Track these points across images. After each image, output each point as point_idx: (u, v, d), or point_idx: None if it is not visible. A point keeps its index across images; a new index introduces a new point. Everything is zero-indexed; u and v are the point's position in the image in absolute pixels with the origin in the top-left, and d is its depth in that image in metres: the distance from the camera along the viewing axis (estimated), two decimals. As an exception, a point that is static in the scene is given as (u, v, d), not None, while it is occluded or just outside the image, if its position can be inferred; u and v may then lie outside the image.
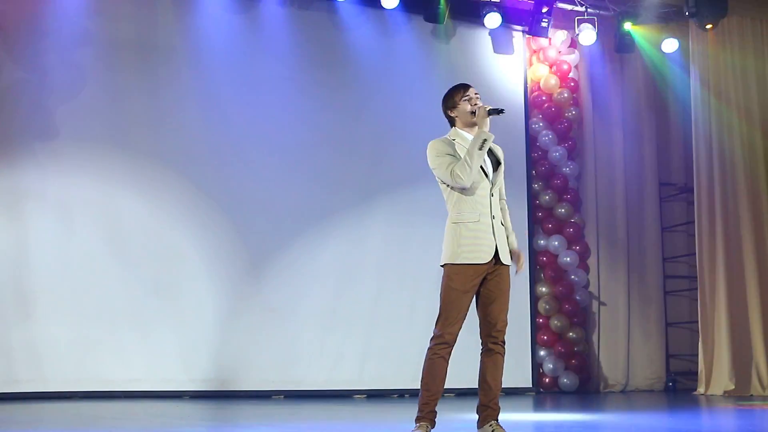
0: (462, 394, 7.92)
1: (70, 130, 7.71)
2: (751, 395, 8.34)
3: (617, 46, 9.65)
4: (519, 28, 9.42)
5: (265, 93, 8.43)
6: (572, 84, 9.67)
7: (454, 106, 3.99)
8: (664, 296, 9.83)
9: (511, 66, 9.46)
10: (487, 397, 3.85)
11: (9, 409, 6.22)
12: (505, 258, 3.87)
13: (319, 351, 8.17)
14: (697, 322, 8.88)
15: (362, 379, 8.22)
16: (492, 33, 9.27)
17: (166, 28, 8.21)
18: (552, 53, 9.66)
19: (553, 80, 9.57)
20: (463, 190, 3.85)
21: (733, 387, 8.38)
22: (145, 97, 8.00)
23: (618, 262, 9.62)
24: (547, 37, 9.44)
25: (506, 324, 3.88)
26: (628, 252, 9.67)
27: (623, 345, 9.47)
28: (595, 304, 9.48)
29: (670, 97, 10.10)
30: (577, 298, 9.20)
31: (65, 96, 7.74)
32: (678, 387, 9.47)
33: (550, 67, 9.65)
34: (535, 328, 9.03)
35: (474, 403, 3.97)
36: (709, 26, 8.56)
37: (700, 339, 8.77)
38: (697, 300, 8.94)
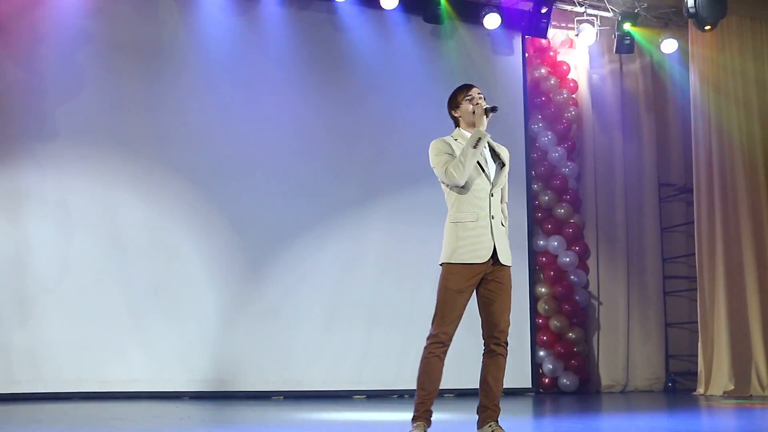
0: (462, 394, 7.92)
1: (69, 131, 7.71)
2: (751, 395, 8.34)
3: (617, 46, 9.66)
4: (518, 28, 9.41)
5: (264, 93, 8.43)
6: (571, 84, 9.68)
7: (457, 106, 4.02)
8: (664, 297, 9.83)
9: (511, 67, 9.45)
10: (488, 398, 3.85)
11: (8, 409, 6.22)
12: (504, 258, 3.87)
13: (319, 351, 8.17)
14: (697, 322, 8.89)
15: (362, 380, 8.21)
16: (491, 34, 9.26)
17: (166, 29, 8.21)
18: (551, 54, 9.66)
19: (553, 81, 9.58)
20: (462, 189, 3.86)
21: (733, 387, 8.38)
22: (144, 98, 8.00)
23: (617, 263, 9.62)
24: (546, 37, 9.45)
25: (509, 325, 3.88)
26: (628, 252, 9.68)
27: (623, 345, 9.47)
28: (594, 304, 9.48)
29: (669, 97, 10.11)
30: (577, 298, 9.20)
31: (65, 97, 7.74)
32: (677, 387, 9.48)
33: (550, 67, 9.65)
34: (534, 329, 9.03)
35: (474, 404, 3.97)
36: (707, 27, 8.57)
37: (699, 339, 8.77)
38: (696, 300, 8.95)
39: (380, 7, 8.72)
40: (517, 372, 8.69)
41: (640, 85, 10.09)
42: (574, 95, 9.66)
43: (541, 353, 9.02)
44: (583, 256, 9.34)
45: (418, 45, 9.05)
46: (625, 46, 9.60)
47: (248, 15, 8.56)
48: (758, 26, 9.35)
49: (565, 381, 8.89)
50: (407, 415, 3.94)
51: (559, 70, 9.64)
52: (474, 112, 3.93)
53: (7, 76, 7.58)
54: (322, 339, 8.19)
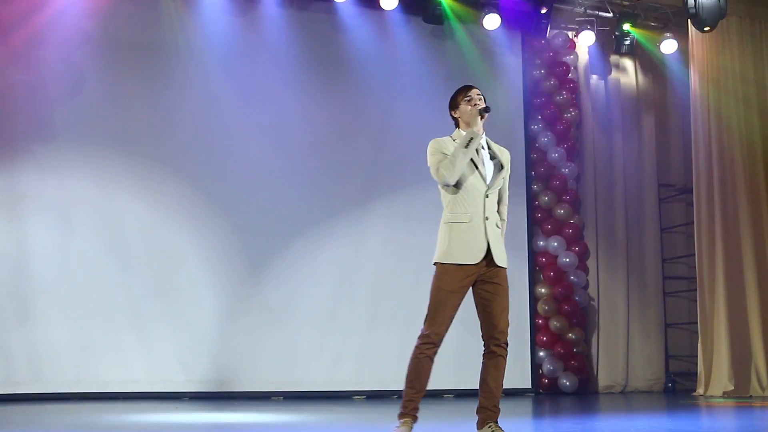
0: (461, 395, 7.92)
1: (69, 131, 7.71)
2: (750, 396, 8.34)
3: (616, 47, 9.65)
4: (518, 29, 9.41)
5: (264, 94, 8.43)
6: (571, 85, 9.68)
7: (456, 107, 4.03)
8: (664, 297, 9.83)
9: (511, 67, 9.45)
10: (488, 399, 3.84)
11: (8, 410, 6.22)
12: (499, 260, 3.87)
13: (318, 352, 8.17)
14: (697, 323, 8.88)
15: (361, 380, 8.22)
16: (491, 34, 9.27)
17: (166, 30, 8.21)
18: (551, 54, 9.67)
19: (552, 81, 9.58)
20: (456, 190, 3.87)
21: (733, 388, 8.37)
22: (144, 98, 8.01)
23: (617, 263, 9.62)
24: (546, 38, 9.45)
25: (508, 325, 3.88)
26: (628, 253, 9.68)
27: (622, 346, 9.47)
28: (594, 305, 9.48)
29: (669, 97, 10.11)
30: (577, 298, 9.20)
31: (64, 97, 7.75)
32: (677, 388, 9.48)
33: (549, 68, 9.65)
34: (534, 329, 9.03)
35: (474, 405, 3.96)
36: (706, 29, 8.57)
37: (699, 340, 8.77)
38: (696, 301, 8.94)
39: (380, 8, 8.72)
40: (516, 372, 8.70)
41: (640, 85, 10.09)
42: (573, 96, 9.66)
43: (541, 354, 9.02)
44: (582, 256, 9.35)
45: (417, 45, 9.05)
46: (624, 47, 9.60)
47: (248, 15, 8.56)
48: (758, 27, 9.35)
49: (564, 381, 8.89)
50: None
51: (559, 71, 9.64)
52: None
53: (7, 76, 7.58)
54: (321, 339, 8.19)
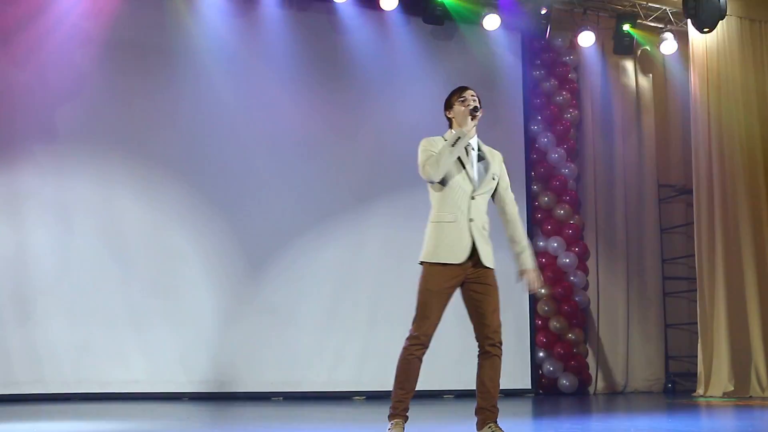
0: (461, 395, 7.92)
1: (69, 131, 7.72)
2: (750, 396, 8.34)
3: (616, 47, 9.66)
4: (518, 29, 9.41)
5: (264, 95, 8.43)
6: (571, 86, 9.68)
7: (450, 107, 4.04)
8: (663, 298, 9.83)
9: (511, 67, 9.45)
10: (486, 400, 3.84)
11: (8, 410, 6.22)
12: (486, 260, 3.86)
13: (319, 352, 8.17)
14: (696, 323, 8.88)
15: (361, 381, 8.22)
16: (491, 35, 9.27)
17: (166, 31, 8.22)
18: (551, 55, 9.67)
19: (552, 82, 9.58)
20: (443, 189, 3.87)
21: (732, 388, 8.38)
22: (144, 98, 8.01)
23: (617, 264, 9.62)
24: (545, 38, 9.45)
25: (500, 324, 3.87)
26: (627, 253, 9.68)
27: (622, 346, 9.47)
28: (594, 305, 9.48)
29: (669, 98, 10.11)
30: (576, 299, 9.20)
31: (64, 97, 7.75)
32: (677, 388, 9.48)
33: (549, 68, 9.66)
34: (534, 330, 9.02)
35: (473, 405, 3.96)
36: (706, 30, 8.58)
37: (699, 340, 8.77)
38: (696, 301, 8.94)
39: (380, 8, 8.72)
40: (516, 373, 8.70)
41: (640, 86, 10.09)
42: (573, 96, 9.66)
43: (541, 354, 9.02)
44: (582, 257, 9.35)
45: (417, 46, 9.05)
46: (624, 47, 9.60)
47: (248, 16, 8.56)
48: (757, 27, 9.35)
49: (564, 382, 8.89)
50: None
51: (559, 71, 9.64)
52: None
53: (7, 77, 7.59)
54: (321, 340, 8.19)
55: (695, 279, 8.99)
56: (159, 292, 7.78)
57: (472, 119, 3.90)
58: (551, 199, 9.35)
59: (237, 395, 7.84)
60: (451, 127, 4.05)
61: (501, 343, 3.86)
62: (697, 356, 8.80)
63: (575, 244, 9.30)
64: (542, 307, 9.08)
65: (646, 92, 10.12)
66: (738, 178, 8.90)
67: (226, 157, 8.18)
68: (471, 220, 3.85)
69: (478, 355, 3.88)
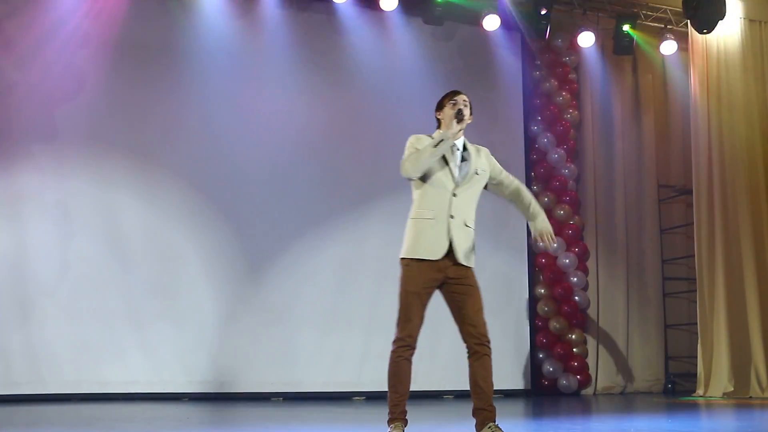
0: (461, 396, 7.91)
1: (69, 131, 7.73)
2: (750, 397, 8.34)
3: (616, 47, 9.66)
4: (518, 30, 9.41)
5: (264, 95, 8.44)
6: (571, 86, 9.68)
7: (440, 109, 4.08)
8: (663, 298, 9.83)
9: (510, 68, 9.45)
10: (482, 400, 3.83)
11: (8, 411, 6.22)
12: (464, 258, 3.86)
13: (318, 353, 8.17)
14: (696, 324, 8.88)
15: (361, 381, 8.22)
16: (491, 35, 9.27)
17: (166, 31, 8.22)
18: (551, 55, 9.67)
19: (552, 82, 9.58)
20: (424, 185, 3.92)
21: (732, 389, 8.38)
22: (144, 99, 8.01)
23: (617, 264, 9.62)
24: (545, 39, 9.45)
25: (485, 323, 3.87)
26: (627, 254, 9.68)
27: (622, 347, 9.47)
28: (594, 305, 9.48)
29: (669, 98, 10.11)
30: (576, 299, 9.20)
31: (64, 98, 7.76)
32: (677, 389, 9.47)
33: (549, 69, 9.66)
34: (534, 330, 9.02)
35: (471, 406, 3.96)
36: (705, 30, 8.58)
37: (699, 341, 8.77)
38: (696, 302, 8.94)
39: (380, 9, 8.73)
40: (516, 373, 8.70)
41: (640, 86, 10.09)
42: (573, 96, 9.66)
43: (541, 355, 9.02)
44: (582, 257, 9.35)
45: (417, 46, 9.05)
46: (624, 48, 9.60)
47: (248, 17, 8.57)
48: (757, 27, 9.35)
49: (564, 382, 8.89)
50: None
51: (559, 72, 9.64)
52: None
53: (7, 77, 7.59)
54: (321, 341, 8.19)
55: (695, 279, 8.99)
56: (159, 292, 7.78)
57: (458, 122, 3.91)
58: (551, 199, 9.35)
59: (237, 396, 7.84)
60: (439, 127, 4.07)
61: (489, 342, 3.86)
62: (696, 357, 8.80)
63: (575, 245, 9.30)
64: (542, 308, 9.08)
65: (646, 93, 10.12)
66: (738, 179, 8.90)
67: (226, 156, 8.17)
68: (451, 216, 3.86)
69: (468, 357, 3.88)
